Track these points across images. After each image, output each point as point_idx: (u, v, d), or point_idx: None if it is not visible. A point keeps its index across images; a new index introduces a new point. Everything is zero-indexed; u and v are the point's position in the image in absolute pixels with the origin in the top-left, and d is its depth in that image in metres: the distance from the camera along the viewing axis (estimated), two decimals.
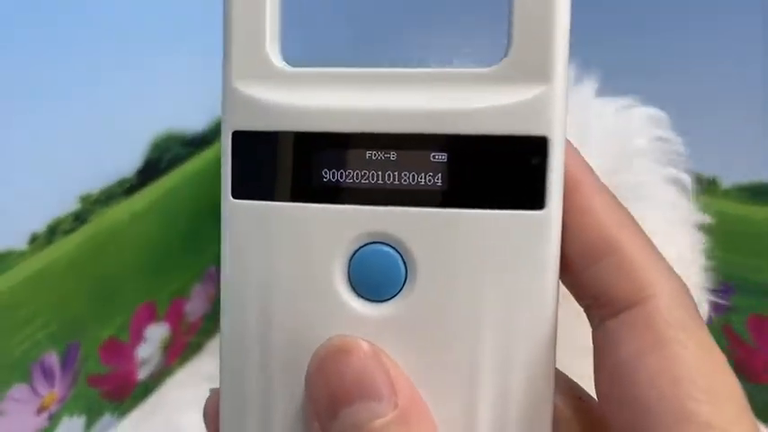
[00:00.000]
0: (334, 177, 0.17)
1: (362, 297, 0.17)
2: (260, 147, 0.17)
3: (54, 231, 0.40)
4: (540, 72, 0.16)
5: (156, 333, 0.49)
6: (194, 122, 0.48)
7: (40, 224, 0.39)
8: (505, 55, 0.16)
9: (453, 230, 0.16)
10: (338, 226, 0.17)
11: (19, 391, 0.40)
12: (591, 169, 0.17)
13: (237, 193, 0.17)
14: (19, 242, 0.38)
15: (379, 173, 0.16)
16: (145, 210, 0.45)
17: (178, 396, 0.50)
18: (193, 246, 0.51)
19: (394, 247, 0.16)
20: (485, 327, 0.16)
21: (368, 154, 0.16)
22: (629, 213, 0.17)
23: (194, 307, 0.52)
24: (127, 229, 0.44)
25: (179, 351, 0.52)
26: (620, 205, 0.17)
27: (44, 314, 0.40)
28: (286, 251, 0.17)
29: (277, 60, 0.17)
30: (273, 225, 0.17)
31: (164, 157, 0.46)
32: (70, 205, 0.41)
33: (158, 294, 0.49)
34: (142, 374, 0.49)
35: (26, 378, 0.40)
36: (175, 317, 0.51)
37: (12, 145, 0.37)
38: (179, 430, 0.46)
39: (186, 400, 0.49)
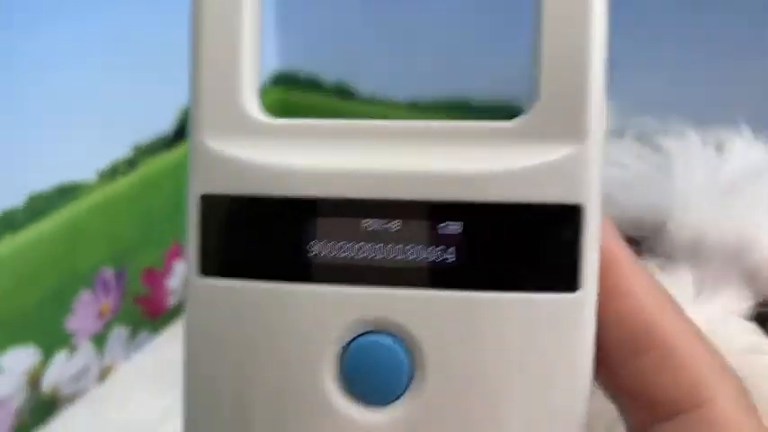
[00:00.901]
0: (322, 252, 0.14)
1: (359, 400, 0.14)
2: (234, 214, 0.14)
3: (115, 171, 0.51)
4: (572, 127, 0.13)
5: (183, 268, 0.60)
6: None
7: (104, 164, 0.51)
8: (530, 106, 0.14)
9: (469, 317, 0.14)
10: (328, 311, 0.14)
11: (86, 295, 0.51)
12: (626, 244, 0.15)
13: (206, 269, 0.14)
14: (89, 176, 0.50)
15: (379, 246, 0.14)
16: (178, 161, 0.57)
17: None
18: None
19: (397, 337, 0.14)
20: (508, 430, 0.14)
21: (364, 224, 0.14)
22: (671, 297, 0.15)
23: None
24: (166, 176, 0.56)
25: None
26: (660, 287, 0.15)
27: (103, 238, 0.52)
28: (265, 342, 0.14)
29: (255, 111, 0.14)
30: (249, 309, 0.14)
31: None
32: (126, 152, 0.52)
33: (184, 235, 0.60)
34: (171, 301, 0.60)
35: (91, 286, 0.51)
36: None
37: (87, 100, 0.48)
38: None
39: None
